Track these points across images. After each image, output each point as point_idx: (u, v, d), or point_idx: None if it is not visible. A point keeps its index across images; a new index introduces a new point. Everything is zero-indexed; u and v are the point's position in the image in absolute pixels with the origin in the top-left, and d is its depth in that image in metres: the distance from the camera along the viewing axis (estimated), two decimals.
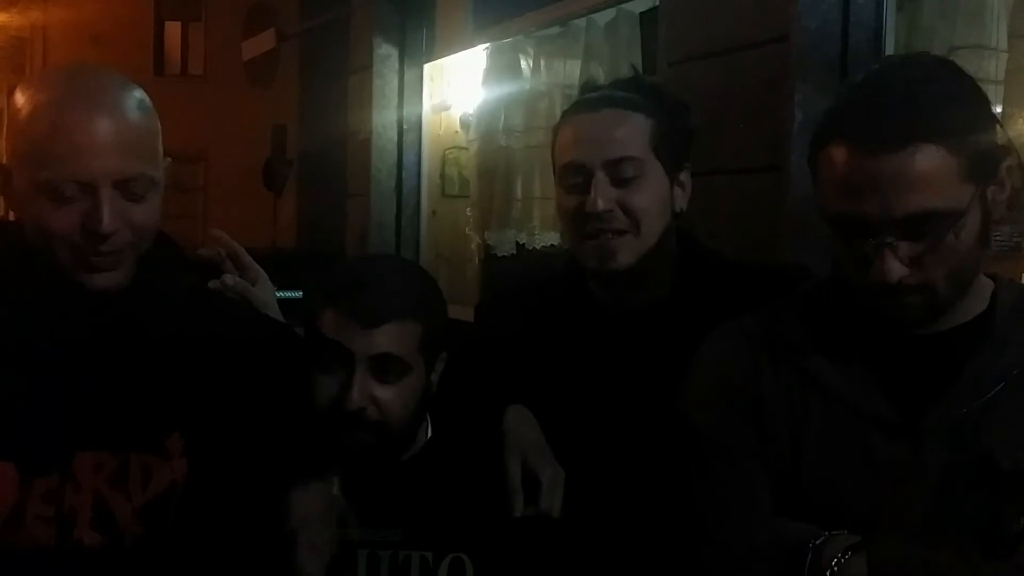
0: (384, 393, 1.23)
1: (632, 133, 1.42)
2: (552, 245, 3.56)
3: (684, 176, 1.47)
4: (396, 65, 4.36)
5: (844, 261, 1.11)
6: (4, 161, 1.21)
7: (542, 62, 3.62)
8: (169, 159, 1.27)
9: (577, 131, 1.44)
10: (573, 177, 1.42)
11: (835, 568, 1.06)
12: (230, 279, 1.49)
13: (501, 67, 3.77)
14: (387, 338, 1.22)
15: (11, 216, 1.28)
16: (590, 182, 1.40)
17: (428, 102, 4.37)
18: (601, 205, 1.39)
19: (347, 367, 1.22)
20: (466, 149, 4.10)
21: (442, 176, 4.37)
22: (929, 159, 1.03)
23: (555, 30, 3.55)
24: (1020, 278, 1.99)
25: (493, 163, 3.80)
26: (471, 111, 3.97)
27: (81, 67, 1.27)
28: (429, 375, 1.29)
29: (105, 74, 1.23)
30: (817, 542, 1.08)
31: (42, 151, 1.16)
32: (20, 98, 1.21)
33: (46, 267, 1.20)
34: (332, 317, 1.23)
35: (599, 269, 1.43)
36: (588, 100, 1.48)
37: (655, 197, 1.42)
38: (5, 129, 1.21)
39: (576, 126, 1.45)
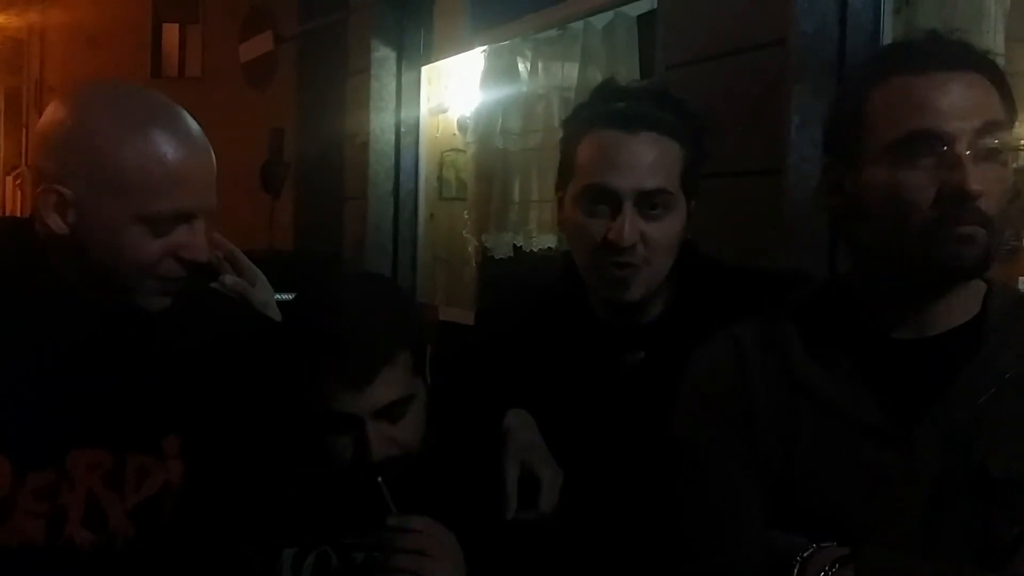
0: (400, 432, 1.24)
1: (667, 163, 1.35)
2: (549, 248, 3.56)
3: (694, 204, 1.41)
4: (394, 68, 4.36)
5: None
6: (59, 187, 1.18)
7: (540, 65, 3.61)
8: None
9: (609, 151, 1.34)
10: (598, 201, 1.34)
11: None
12: (229, 279, 1.50)
13: (499, 70, 3.76)
14: (387, 387, 1.22)
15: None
16: (616, 209, 1.33)
17: (426, 105, 4.37)
18: (628, 238, 1.32)
19: (358, 430, 1.22)
20: (464, 152, 4.09)
21: (439, 179, 4.36)
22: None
23: (553, 33, 3.54)
24: (1017, 280, 1.99)
25: (491, 166, 3.80)
26: (469, 114, 3.97)
27: (141, 89, 1.26)
28: (426, 382, 1.30)
29: (165, 99, 1.24)
30: (805, 554, 1.07)
31: (146, 184, 1.16)
32: (88, 123, 1.18)
33: (95, 285, 1.22)
34: (327, 385, 1.21)
35: (610, 299, 1.39)
36: (621, 116, 1.36)
37: (676, 231, 1.37)
38: (56, 154, 1.18)
39: (608, 145, 1.34)
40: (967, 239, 1.05)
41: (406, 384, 1.24)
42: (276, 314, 1.50)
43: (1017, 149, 1.09)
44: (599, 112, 1.39)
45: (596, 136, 1.36)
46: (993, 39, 2.16)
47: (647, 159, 1.34)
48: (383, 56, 4.35)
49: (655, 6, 2.76)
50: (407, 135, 4.37)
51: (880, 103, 1.08)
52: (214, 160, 1.24)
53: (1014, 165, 1.09)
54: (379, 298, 1.27)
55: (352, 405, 1.20)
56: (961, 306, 1.13)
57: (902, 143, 1.06)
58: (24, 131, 14.58)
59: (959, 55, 1.09)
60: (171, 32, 10.75)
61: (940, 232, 1.05)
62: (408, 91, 4.36)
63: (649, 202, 1.34)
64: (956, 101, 1.06)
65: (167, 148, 1.18)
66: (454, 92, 4.19)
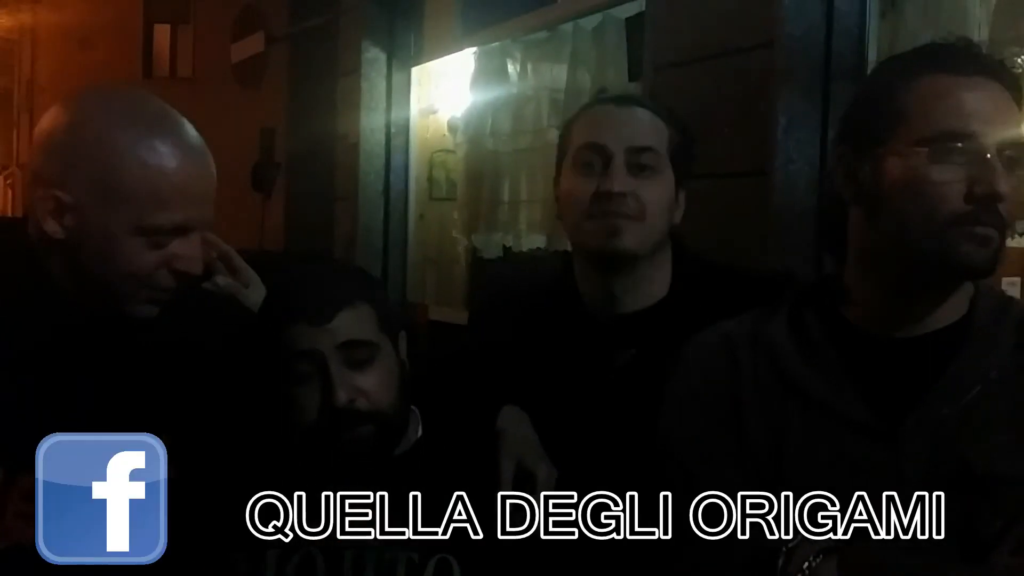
0: (365, 381, 1.24)
1: (655, 131, 1.44)
2: (538, 248, 3.57)
3: (682, 193, 1.47)
4: (384, 68, 4.35)
5: None
6: (58, 192, 1.17)
7: (529, 66, 3.61)
8: None
9: (600, 118, 1.46)
10: (590, 157, 1.42)
11: (806, 570, 1.06)
12: (222, 280, 1.48)
13: (488, 71, 3.77)
14: (346, 325, 1.24)
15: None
16: (607, 166, 1.40)
17: (416, 105, 4.36)
18: (618, 186, 1.39)
19: (320, 369, 1.23)
20: (454, 152, 4.09)
21: (430, 179, 4.36)
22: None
23: (542, 35, 3.55)
24: (1000, 282, 2.00)
25: (480, 166, 3.80)
26: (459, 114, 3.97)
27: (145, 96, 1.25)
28: (398, 354, 1.30)
29: (168, 107, 1.23)
30: (790, 545, 1.08)
31: (148, 196, 1.16)
32: (91, 130, 1.17)
33: (87, 291, 1.21)
34: (288, 330, 1.23)
35: (602, 248, 1.41)
36: (611, 96, 1.53)
37: (665, 194, 1.43)
38: (56, 159, 1.18)
39: (599, 114, 1.47)
40: (984, 240, 1.07)
41: (368, 331, 1.26)
42: None
43: None
44: (592, 100, 1.55)
45: (587, 112, 1.49)
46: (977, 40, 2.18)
47: (637, 122, 1.45)
48: (373, 57, 4.35)
49: (644, 8, 2.77)
50: (397, 136, 4.36)
51: (916, 98, 1.10)
52: (215, 172, 1.24)
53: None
54: (342, 263, 1.33)
55: (312, 340, 1.22)
56: (949, 306, 1.14)
57: (937, 139, 1.08)
58: (15, 131, 14.51)
59: (991, 65, 1.11)
60: (162, 33, 10.72)
61: (960, 230, 1.06)
62: (398, 92, 4.35)
63: (638, 160, 1.41)
64: (989, 108, 1.08)
65: (171, 160, 1.17)
66: (444, 93, 4.18)
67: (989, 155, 1.06)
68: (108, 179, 1.16)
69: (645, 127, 1.44)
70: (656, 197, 1.41)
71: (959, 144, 1.07)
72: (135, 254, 1.18)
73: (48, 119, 1.20)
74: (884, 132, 1.11)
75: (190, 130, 1.22)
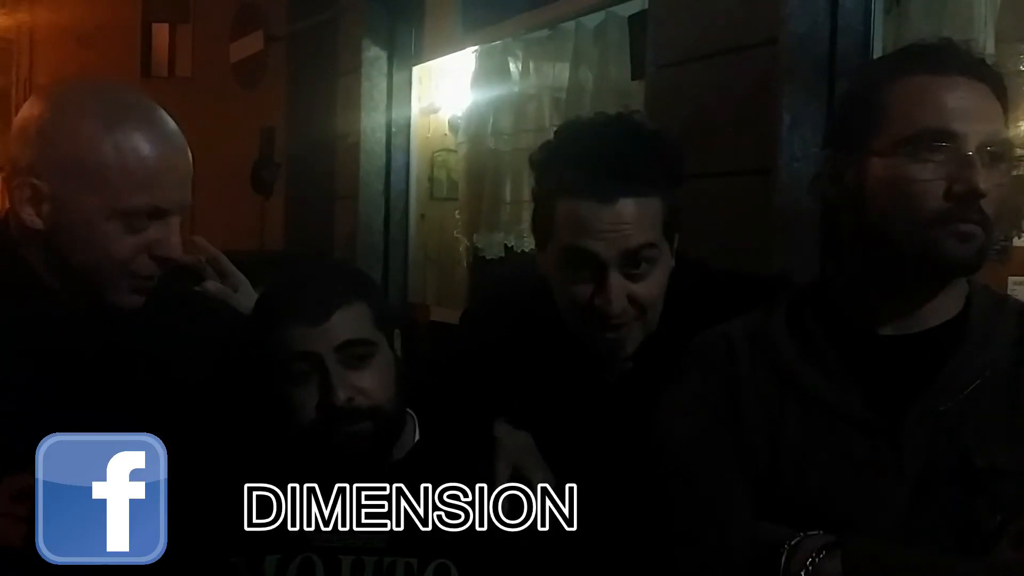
0: (363, 379, 1.25)
1: (649, 220, 1.33)
2: None
3: (678, 238, 1.41)
4: (385, 67, 4.35)
5: None
6: (34, 180, 1.18)
7: (531, 65, 3.62)
8: None
9: (588, 218, 1.31)
10: (582, 265, 1.33)
11: (809, 567, 1.07)
12: (212, 285, 1.49)
13: (490, 70, 3.76)
14: (343, 325, 1.24)
15: None
16: (601, 274, 1.32)
17: (417, 104, 4.36)
18: (618, 307, 1.32)
19: (318, 369, 1.23)
20: (455, 152, 4.09)
21: (431, 179, 4.36)
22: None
23: (544, 33, 3.54)
24: (1007, 281, 2.00)
25: (482, 166, 3.80)
26: (460, 114, 3.97)
27: (119, 86, 1.27)
28: (394, 350, 1.31)
29: (142, 96, 1.25)
30: (792, 542, 1.09)
31: (121, 179, 1.17)
32: (65, 117, 1.18)
33: (70, 283, 1.21)
34: (284, 331, 1.24)
35: (601, 357, 1.40)
36: (599, 181, 1.31)
37: (663, 281, 1.37)
38: (32, 147, 1.19)
39: (586, 212, 1.31)
40: (967, 237, 1.08)
41: (365, 329, 1.26)
42: None
43: (1013, 158, 1.12)
44: (574, 175, 1.34)
45: (572, 203, 1.33)
46: (983, 40, 2.17)
47: (629, 221, 1.32)
48: (374, 56, 4.35)
49: (646, 6, 2.77)
50: (398, 135, 4.36)
51: (897, 98, 1.11)
52: (190, 158, 1.24)
53: (1013, 172, 1.13)
54: (335, 262, 1.33)
55: (311, 343, 1.23)
56: (945, 304, 1.15)
57: (916, 138, 1.09)
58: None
59: (973, 64, 1.13)
60: (161, 32, 10.71)
61: (942, 227, 1.08)
62: (399, 91, 4.35)
63: (634, 261, 1.33)
64: (970, 106, 1.09)
65: (143, 143, 1.18)
66: (445, 92, 4.18)
67: (970, 152, 1.07)
68: (81, 164, 1.17)
69: (640, 222, 1.32)
70: (655, 293, 1.36)
71: (939, 143, 1.08)
72: (112, 239, 1.18)
73: (25, 110, 1.22)
74: (866, 133, 1.12)
75: (163, 116, 1.23)
